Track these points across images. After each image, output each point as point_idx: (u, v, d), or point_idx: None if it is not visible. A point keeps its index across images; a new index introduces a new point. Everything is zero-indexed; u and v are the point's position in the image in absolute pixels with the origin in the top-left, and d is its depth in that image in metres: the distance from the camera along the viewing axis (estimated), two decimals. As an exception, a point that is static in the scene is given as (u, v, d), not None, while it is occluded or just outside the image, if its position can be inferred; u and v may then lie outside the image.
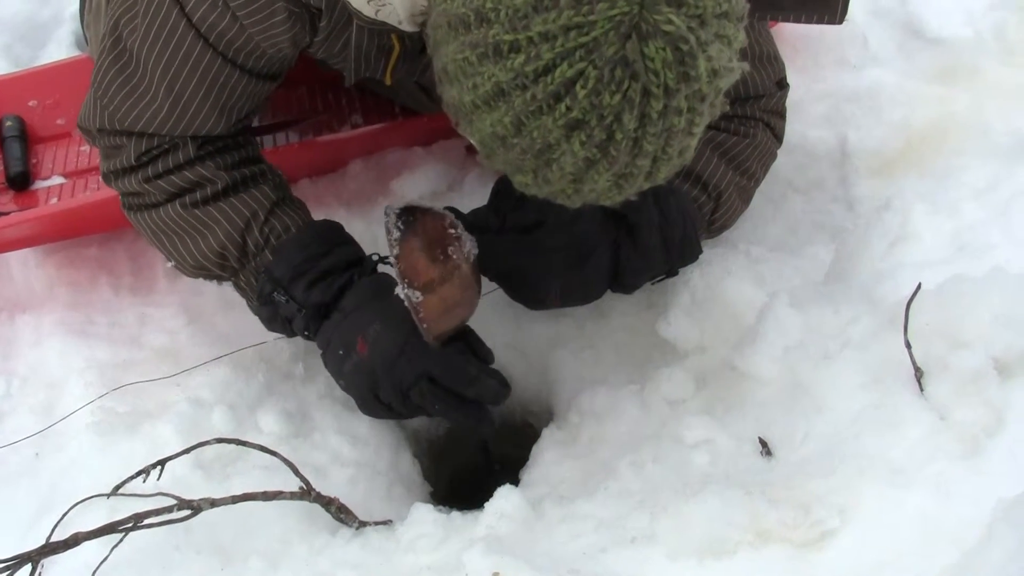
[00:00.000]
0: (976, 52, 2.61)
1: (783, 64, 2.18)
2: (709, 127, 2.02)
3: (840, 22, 1.84)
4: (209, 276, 2.06)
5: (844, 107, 2.57)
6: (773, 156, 2.20)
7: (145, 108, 1.91)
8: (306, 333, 2.00)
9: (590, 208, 1.84)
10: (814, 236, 2.34)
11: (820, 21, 1.84)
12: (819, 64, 2.69)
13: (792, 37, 2.71)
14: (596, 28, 1.33)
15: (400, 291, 1.82)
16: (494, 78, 1.40)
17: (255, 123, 2.27)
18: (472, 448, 2.16)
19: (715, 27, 1.38)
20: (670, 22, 1.34)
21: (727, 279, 2.05)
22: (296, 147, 2.51)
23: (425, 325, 1.82)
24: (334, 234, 2.03)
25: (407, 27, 1.73)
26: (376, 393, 1.94)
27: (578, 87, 1.36)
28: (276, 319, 2.01)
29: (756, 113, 2.12)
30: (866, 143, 2.47)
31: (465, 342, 1.94)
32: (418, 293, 1.80)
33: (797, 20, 1.87)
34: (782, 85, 2.18)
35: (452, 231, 1.82)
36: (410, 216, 1.82)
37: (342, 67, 1.98)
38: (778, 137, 2.20)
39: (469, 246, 1.83)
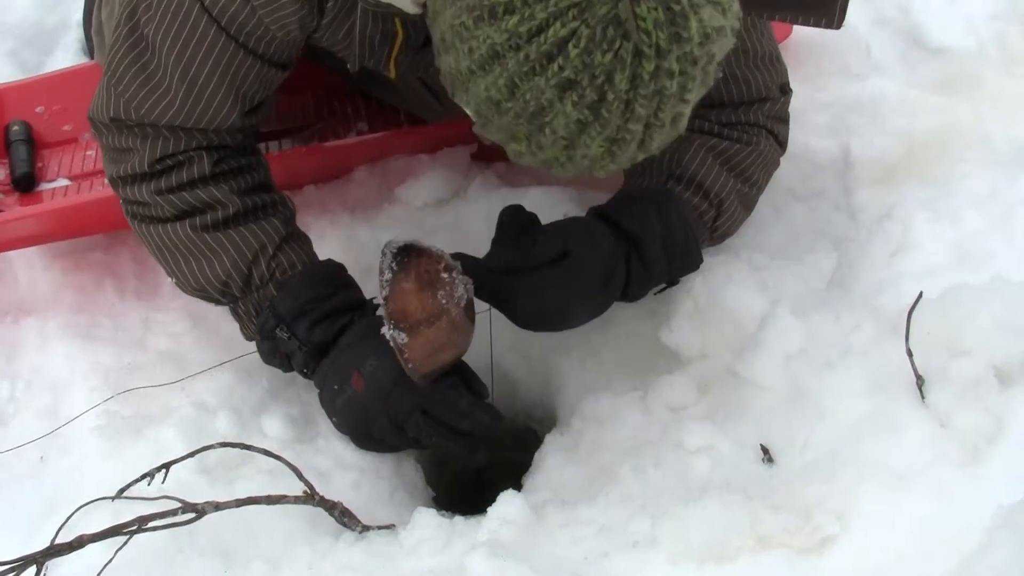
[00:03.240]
0: (978, 62, 2.62)
1: (785, 68, 2.18)
2: (712, 135, 2.03)
3: (838, 27, 1.83)
4: (208, 299, 2.07)
5: (846, 116, 2.58)
6: (776, 163, 2.21)
7: (160, 98, 1.91)
8: (304, 371, 2.01)
9: (598, 225, 1.87)
10: (816, 244, 2.34)
11: (817, 24, 1.84)
12: (822, 73, 2.69)
13: (795, 46, 2.72)
14: None
15: (386, 332, 1.82)
16: (489, 40, 1.44)
17: (262, 129, 2.29)
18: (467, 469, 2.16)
19: None
20: None
21: (729, 286, 2.05)
22: (302, 152, 2.52)
23: (411, 365, 1.82)
24: (339, 275, 2.05)
25: (410, 8, 1.74)
26: (369, 429, 1.96)
27: (570, 46, 1.40)
28: (276, 354, 2.02)
29: (759, 119, 2.12)
30: (868, 152, 2.48)
31: (459, 375, 1.93)
32: (403, 335, 1.81)
33: (794, 21, 1.87)
34: (784, 90, 2.18)
35: (445, 275, 1.82)
36: (404, 257, 1.83)
37: (346, 54, 1.98)
38: (781, 144, 2.20)
39: (462, 290, 1.83)
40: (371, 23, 1.91)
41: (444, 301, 1.81)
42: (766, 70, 2.10)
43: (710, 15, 1.43)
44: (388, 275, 1.81)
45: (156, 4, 1.87)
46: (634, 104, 1.45)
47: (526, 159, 1.58)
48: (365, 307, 2.02)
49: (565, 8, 1.39)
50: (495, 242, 1.93)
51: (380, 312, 1.84)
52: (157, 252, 2.04)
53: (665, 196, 2.00)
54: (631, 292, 1.99)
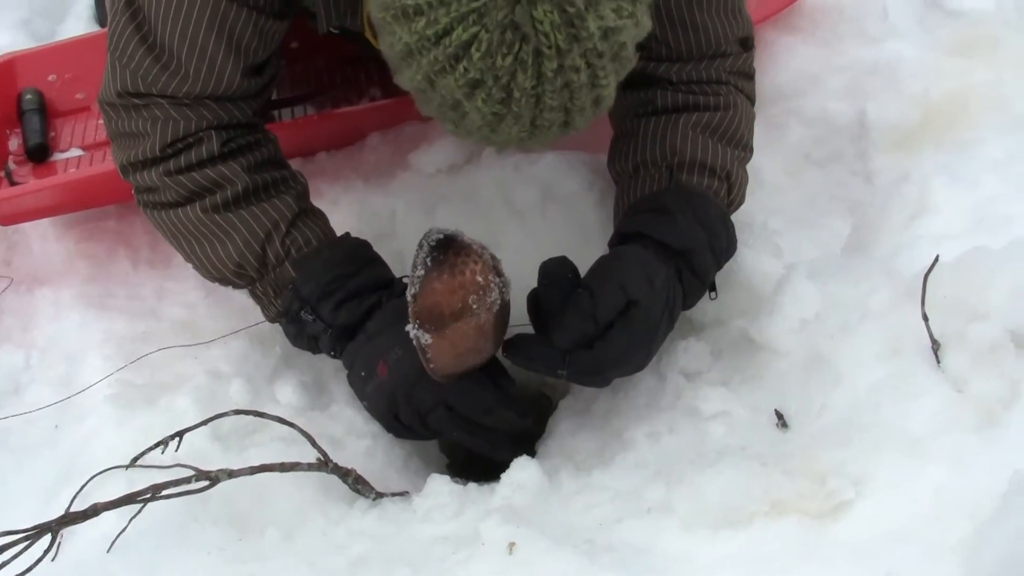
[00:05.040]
0: (996, 24, 2.59)
1: (749, 21, 2.11)
2: (689, 108, 2.00)
3: None
4: (227, 283, 2.05)
5: (863, 80, 2.55)
6: (754, 117, 2.15)
7: (165, 65, 1.90)
8: (332, 353, 1.99)
9: (646, 256, 1.85)
10: (832, 209, 2.33)
11: None
12: (838, 37, 2.67)
13: (811, 9, 2.70)
14: None
15: (411, 330, 1.76)
16: (403, 39, 1.48)
17: (274, 95, 2.27)
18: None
19: None
20: None
21: (744, 251, 2.04)
22: (315, 119, 2.51)
23: (432, 366, 1.78)
24: (363, 252, 2.02)
25: None
26: (396, 415, 1.94)
27: (473, 50, 1.44)
28: (302, 337, 2.00)
29: (721, 76, 2.07)
30: (885, 116, 2.46)
31: (485, 368, 1.88)
32: (428, 336, 1.74)
33: None
34: (747, 45, 2.12)
35: (480, 278, 1.72)
36: (441, 253, 1.72)
37: (318, 12, 1.97)
38: (751, 100, 2.15)
39: (496, 295, 1.75)
40: None
41: (475, 306, 1.73)
42: (726, 19, 2.04)
43: (613, 8, 1.46)
44: (420, 271, 1.73)
45: None
46: (544, 98, 1.49)
47: (460, 134, 1.62)
48: (393, 286, 1.99)
49: (466, 13, 1.42)
50: (548, 312, 1.83)
51: (409, 309, 1.76)
52: (172, 238, 2.03)
53: (697, 198, 1.96)
54: (688, 303, 1.96)
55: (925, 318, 1.72)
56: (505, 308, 1.79)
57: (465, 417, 1.89)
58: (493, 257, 1.77)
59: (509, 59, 1.44)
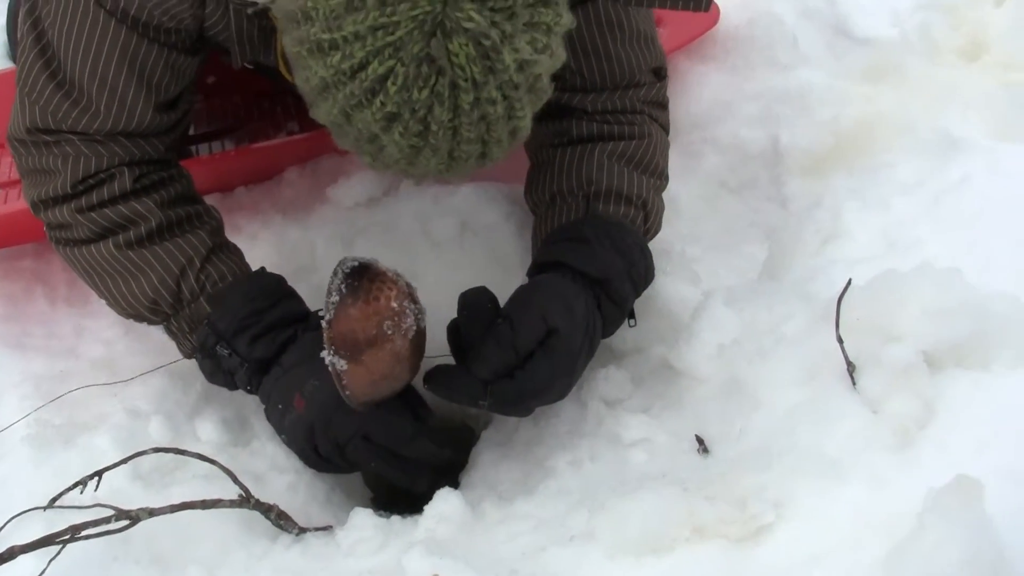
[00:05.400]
0: (902, 52, 2.65)
1: (662, 52, 2.15)
2: (604, 137, 2.03)
3: (706, 9, 1.83)
4: (141, 319, 2.04)
5: (775, 107, 2.59)
6: (669, 145, 2.18)
7: (75, 102, 1.89)
8: (248, 387, 1.98)
9: (564, 284, 1.86)
10: (748, 235, 2.36)
11: (686, 8, 1.85)
12: (750, 65, 2.71)
13: (723, 39, 2.73)
14: (400, 28, 1.41)
15: (326, 356, 1.76)
16: (319, 74, 1.48)
17: (192, 131, 2.26)
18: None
19: (525, 17, 1.46)
20: (471, 19, 1.41)
21: (662, 279, 2.06)
22: (232, 154, 2.50)
23: (348, 393, 1.78)
24: (278, 287, 2.02)
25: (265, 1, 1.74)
26: (315, 447, 1.93)
27: (389, 84, 1.44)
28: (218, 372, 1.99)
29: (636, 105, 2.09)
30: (797, 142, 2.49)
31: (404, 399, 1.89)
32: (343, 362, 1.75)
33: (663, 6, 1.88)
34: (660, 75, 2.15)
35: (395, 304, 1.74)
36: (356, 280, 1.74)
37: (232, 50, 1.97)
38: (665, 129, 2.18)
39: (411, 321, 1.76)
40: (245, 20, 1.91)
41: (390, 332, 1.74)
42: (639, 49, 2.07)
43: (528, 41, 1.47)
44: (335, 297, 1.74)
45: (55, 7, 1.86)
46: (461, 130, 1.50)
47: (377, 167, 1.62)
48: (308, 319, 1.99)
49: (381, 47, 1.42)
50: (469, 343, 1.85)
51: (323, 336, 1.77)
52: (85, 275, 2.02)
53: (614, 226, 1.97)
54: (607, 331, 1.97)
55: (840, 341, 1.74)
56: (421, 335, 1.80)
57: (383, 447, 1.89)
58: (408, 284, 1.78)
59: (425, 92, 1.44)
